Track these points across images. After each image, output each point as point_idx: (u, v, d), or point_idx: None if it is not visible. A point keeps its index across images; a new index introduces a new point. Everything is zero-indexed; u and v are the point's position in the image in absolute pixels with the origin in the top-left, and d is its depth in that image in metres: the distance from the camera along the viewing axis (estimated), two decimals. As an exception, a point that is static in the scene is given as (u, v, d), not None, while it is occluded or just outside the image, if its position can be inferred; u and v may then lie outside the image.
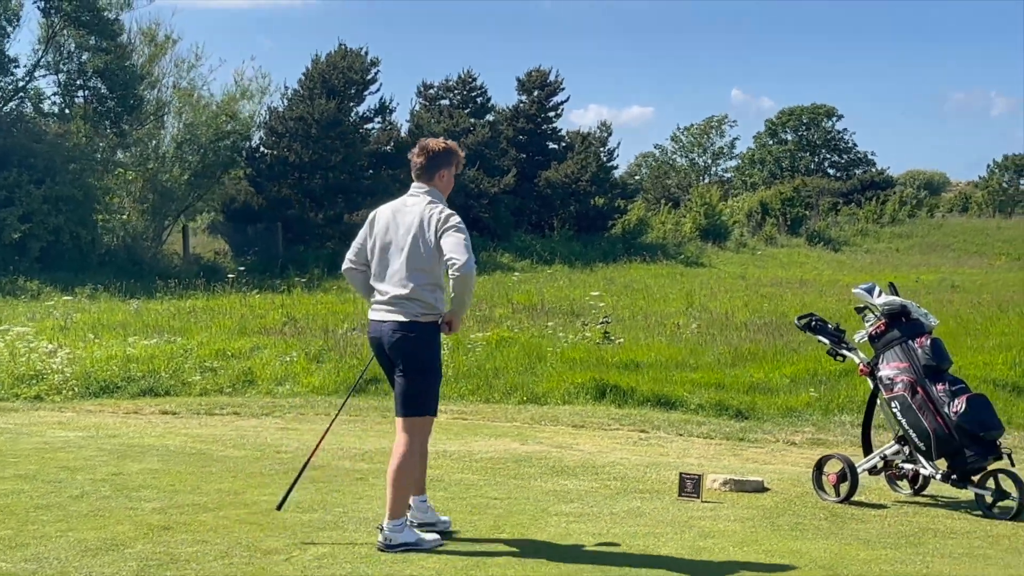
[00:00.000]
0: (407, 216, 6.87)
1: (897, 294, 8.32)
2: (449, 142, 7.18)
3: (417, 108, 46.35)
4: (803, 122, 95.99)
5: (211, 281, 30.33)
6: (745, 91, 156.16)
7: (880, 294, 8.22)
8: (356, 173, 40.21)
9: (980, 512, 7.59)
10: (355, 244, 7.09)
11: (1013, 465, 7.69)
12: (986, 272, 43.56)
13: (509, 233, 43.65)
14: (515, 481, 8.54)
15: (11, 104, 35.90)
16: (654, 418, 12.81)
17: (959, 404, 7.61)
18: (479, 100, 47.84)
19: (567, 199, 47.17)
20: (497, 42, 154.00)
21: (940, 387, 7.72)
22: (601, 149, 56.61)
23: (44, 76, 37.68)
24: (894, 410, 7.88)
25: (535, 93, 49.28)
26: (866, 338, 8.19)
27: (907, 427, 7.80)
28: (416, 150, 7.10)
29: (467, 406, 13.61)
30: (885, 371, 7.97)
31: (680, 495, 7.89)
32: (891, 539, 6.88)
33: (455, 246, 6.59)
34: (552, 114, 49.90)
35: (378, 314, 6.80)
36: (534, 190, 46.98)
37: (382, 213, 7.02)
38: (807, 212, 65.72)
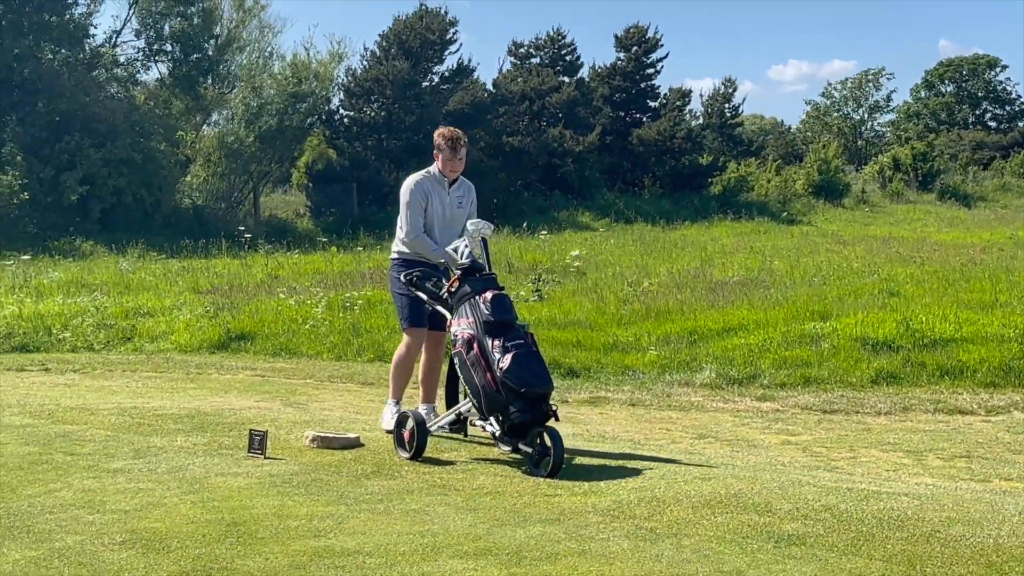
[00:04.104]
0: None
1: (487, 251, 8.10)
2: (438, 130, 8.86)
3: (507, 67, 46.34)
4: (963, 73, 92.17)
5: (279, 241, 31.08)
6: (954, 42, 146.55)
7: (466, 250, 8.00)
8: (431, 134, 40.29)
9: (527, 469, 7.35)
10: None
11: (557, 420, 7.41)
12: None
13: (593, 191, 43.33)
14: (123, 436, 8.55)
15: (92, 73, 37.11)
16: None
17: (506, 360, 7.37)
18: (568, 58, 47.47)
19: (661, 157, 46.52)
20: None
21: (496, 343, 7.48)
22: (725, 106, 55.81)
23: (125, 43, 38.99)
24: (456, 366, 7.70)
25: (633, 50, 48.66)
26: (447, 294, 7.99)
27: (465, 383, 7.61)
28: None
29: (300, 363, 13.71)
30: (455, 327, 7.78)
31: (249, 452, 7.84)
32: (370, 496, 6.67)
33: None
34: (651, 71, 49.18)
35: None
36: (627, 148, 46.48)
37: None
38: (949, 166, 63.38)
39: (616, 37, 49.22)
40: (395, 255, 8.68)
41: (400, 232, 8.62)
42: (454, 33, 42.15)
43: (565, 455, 7.35)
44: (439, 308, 8.12)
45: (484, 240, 8.17)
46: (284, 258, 25.04)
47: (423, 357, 8.74)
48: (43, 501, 6.65)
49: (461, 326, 7.71)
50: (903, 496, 6.59)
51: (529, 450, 7.33)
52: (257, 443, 7.78)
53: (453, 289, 7.89)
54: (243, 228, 28.38)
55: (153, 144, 34.79)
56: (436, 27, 41.49)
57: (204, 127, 40.57)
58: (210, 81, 39.10)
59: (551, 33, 47.43)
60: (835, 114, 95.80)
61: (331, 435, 8.15)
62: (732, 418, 10.66)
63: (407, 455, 7.74)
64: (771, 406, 11.29)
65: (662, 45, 49.01)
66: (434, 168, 8.71)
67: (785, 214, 45.86)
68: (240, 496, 6.72)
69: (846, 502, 6.38)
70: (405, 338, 8.61)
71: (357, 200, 39.28)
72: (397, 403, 8.56)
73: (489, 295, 7.64)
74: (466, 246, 8.00)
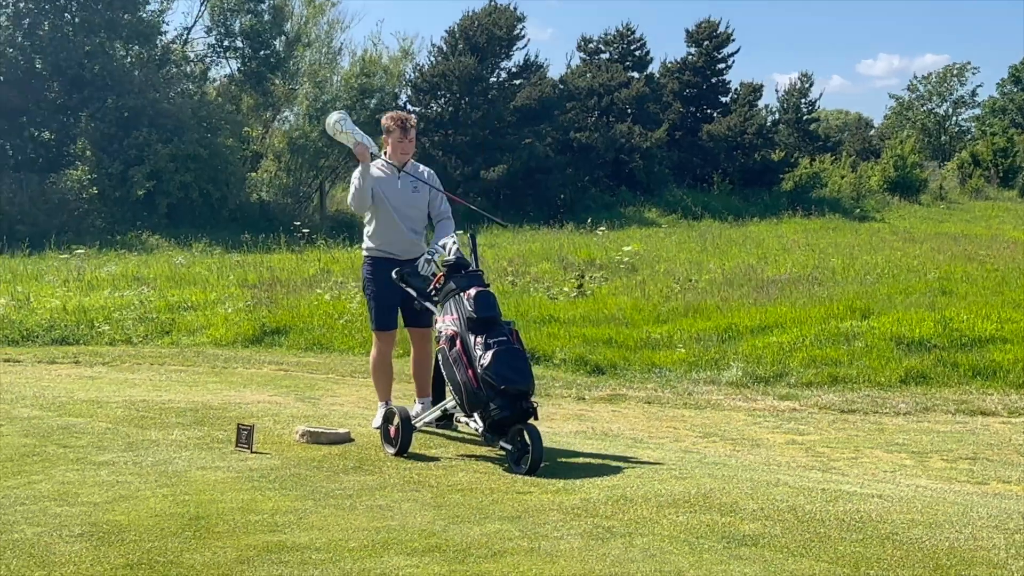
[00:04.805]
0: None
1: (474, 246, 8.07)
2: (387, 114, 8.57)
3: (576, 62, 46.24)
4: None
5: (340, 235, 31.43)
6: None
7: (454, 246, 7.98)
8: (499, 130, 40.38)
9: (508, 467, 7.31)
10: None
11: (536, 419, 7.36)
12: None
13: (661, 187, 43.06)
14: (121, 428, 8.62)
15: (162, 70, 37.61)
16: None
17: (487, 357, 7.34)
18: (637, 53, 47.23)
19: (731, 153, 46.10)
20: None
21: (479, 340, 7.45)
22: (802, 101, 55.18)
23: (195, 39, 39.54)
24: (439, 362, 7.69)
25: (704, 44, 48.29)
26: (434, 291, 7.98)
27: (447, 379, 7.58)
28: None
29: (328, 358, 13.78)
30: (439, 323, 7.77)
31: (236, 446, 7.88)
32: (341, 491, 6.63)
33: None
34: (722, 66, 48.76)
35: None
36: (697, 144, 46.14)
37: None
38: (1033, 161, 61.96)
39: (687, 32, 48.91)
40: (364, 251, 8.68)
41: (368, 228, 8.53)
42: (522, 28, 42.13)
43: (559, 452, 7.31)
44: (428, 305, 8.12)
45: (473, 237, 8.15)
46: (341, 252, 25.19)
47: (411, 353, 8.75)
48: (19, 493, 6.72)
49: (445, 323, 7.70)
50: (874, 498, 6.48)
51: (509, 447, 7.30)
52: (244, 437, 7.81)
53: (438, 285, 7.88)
54: (299, 223, 28.51)
55: (220, 140, 35.17)
56: (503, 22, 41.44)
57: (275, 123, 40.98)
58: (279, 78, 39.41)
59: (620, 28, 47.27)
60: (919, 109, 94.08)
61: (320, 430, 8.17)
62: (745, 417, 10.54)
63: (393, 451, 7.75)
64: (789, 405, 11.15)
65: (733, 39, 48.59)
66: (381, 155, 8.48)
67: (858, 211, 45.21)
68: (212, 490, 6.75)
69: (813, 503, 6.28)
70: (375, 340, 8.71)
71: (423, 195, 39.38)
72: (386, 404, 8.53)
73: (473, 291, 7.61)
74: (454, 242, 7.99)
